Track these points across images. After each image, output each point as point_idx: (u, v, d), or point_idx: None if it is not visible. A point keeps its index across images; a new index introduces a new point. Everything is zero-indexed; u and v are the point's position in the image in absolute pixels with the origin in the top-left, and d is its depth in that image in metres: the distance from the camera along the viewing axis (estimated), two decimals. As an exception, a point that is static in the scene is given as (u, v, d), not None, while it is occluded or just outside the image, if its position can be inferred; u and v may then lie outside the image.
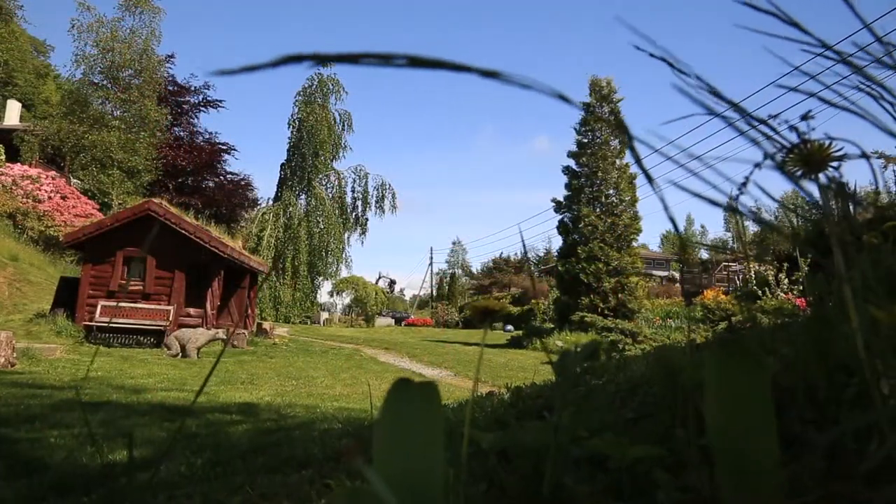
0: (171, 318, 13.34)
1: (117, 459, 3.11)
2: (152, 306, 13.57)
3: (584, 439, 0.62)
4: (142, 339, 13.23)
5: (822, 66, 0.65)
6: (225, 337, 13.42)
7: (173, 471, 2.56)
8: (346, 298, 41.96)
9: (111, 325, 13.12)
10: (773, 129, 0.57)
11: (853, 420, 0.52)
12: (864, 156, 0.63)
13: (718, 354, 0.41)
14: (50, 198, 21.88)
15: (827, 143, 0.84)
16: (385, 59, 0.30)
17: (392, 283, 59.22)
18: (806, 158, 0.84)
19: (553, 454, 0.57)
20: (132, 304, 13.49)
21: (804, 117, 0.61)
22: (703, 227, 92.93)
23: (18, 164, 23.54)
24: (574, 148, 19.84)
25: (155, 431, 4.22)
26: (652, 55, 0.67)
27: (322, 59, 0.30)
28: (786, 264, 12.59)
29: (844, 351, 0.77)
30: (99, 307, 13.22)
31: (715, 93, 0.56)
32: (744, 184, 0.59)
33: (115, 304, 13.35)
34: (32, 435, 3.68)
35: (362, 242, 40.86)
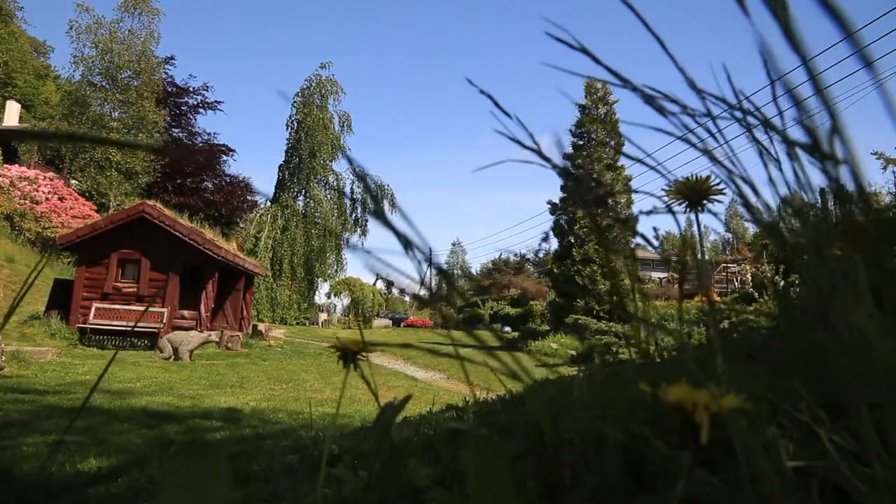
0: (164, 321, 13.36)
1: (86, 469, 3.11)
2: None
3: (423, 491, 0.62)
4: (136, 341, 13.26)
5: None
6: (218, 339, 13.44)
7: (135, 482, 2.56)
8: (346, 300, 42.01)
9: (105, 327, 13.14)
10: (572, 174, 0.58)
11: None
12: (670, 210, 0.63)
13: (473, 447, 0.41)
14: (47, 199, 21.91)
15: (705, 177, 0.85)
16: (47, 138, 0.31)
17: (390, 284, 59.19)
18: (688, 192, 0.84)
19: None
20: (126, 307, 13.51)
21: (610, 168, 0.61)
22: (705, 227, 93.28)
23: (16, 165, 23.60)
24: (569, 150, 19.83)
25: (132, 439, 4.23)
26: (482, 92, 0.68)
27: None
28: (781, 266, 12.59)
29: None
30: (93, 309, 13.24)
31: (530, 140, 0.57)
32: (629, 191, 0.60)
33: (109, 306, 13.38)
34: (6, 443, 3.69)
35: (363, 244, 40.79)
